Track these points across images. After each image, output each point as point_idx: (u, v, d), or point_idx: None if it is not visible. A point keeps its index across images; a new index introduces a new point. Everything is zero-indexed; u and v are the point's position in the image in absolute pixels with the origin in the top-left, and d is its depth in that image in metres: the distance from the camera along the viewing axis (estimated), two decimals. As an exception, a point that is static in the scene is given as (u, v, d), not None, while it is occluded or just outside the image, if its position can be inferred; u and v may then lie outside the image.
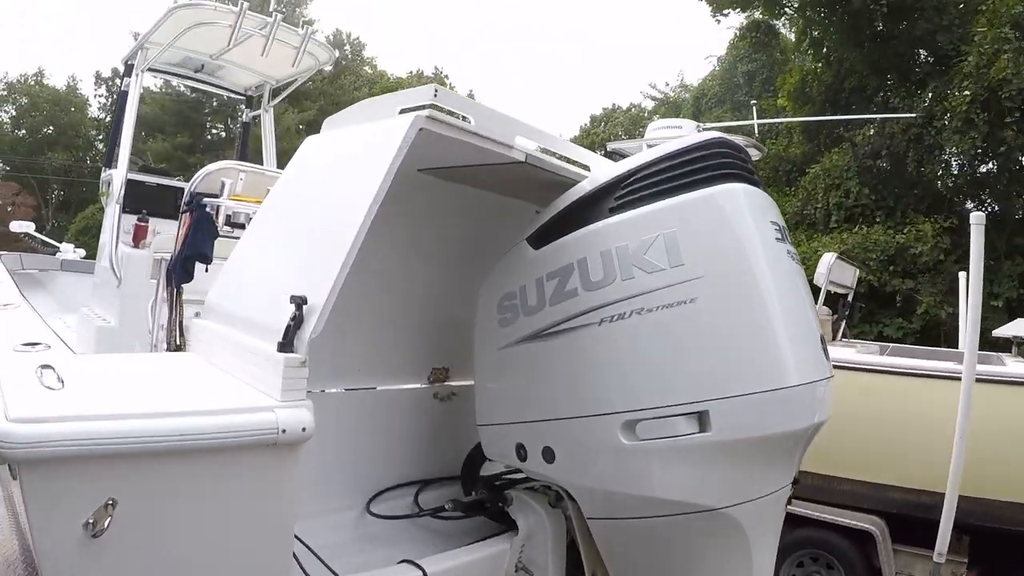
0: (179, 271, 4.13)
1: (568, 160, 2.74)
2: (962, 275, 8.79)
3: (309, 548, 2.50)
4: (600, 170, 2.69)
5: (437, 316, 3.38)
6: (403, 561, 2.63)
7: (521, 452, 2.63)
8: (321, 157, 2.76)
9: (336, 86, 38.38)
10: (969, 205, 17.89)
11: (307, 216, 2.59)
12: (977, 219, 4.71)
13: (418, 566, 2.59)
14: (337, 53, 6.65)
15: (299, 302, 2.12)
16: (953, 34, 15.74)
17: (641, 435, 2.28)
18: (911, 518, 5.60)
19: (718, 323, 2.26)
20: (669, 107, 30.92)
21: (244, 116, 7.67)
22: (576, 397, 2.42)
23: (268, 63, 6.38)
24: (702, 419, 2.23)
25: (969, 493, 5.17)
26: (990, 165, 17.20)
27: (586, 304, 2.38)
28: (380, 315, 3.19)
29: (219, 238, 3.94)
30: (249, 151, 7.81)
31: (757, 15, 23.46)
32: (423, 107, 2.26)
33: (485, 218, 3.28)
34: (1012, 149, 14.92)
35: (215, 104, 35.95)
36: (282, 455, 2.05)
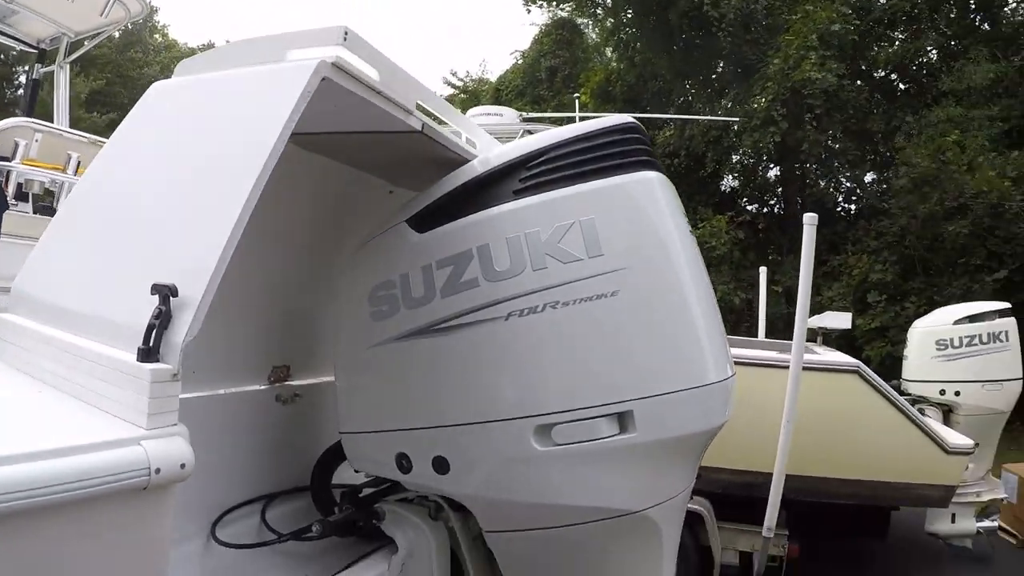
0: (-41, 251, 3.54)
1: (459, 134, 2.48)
2: (762, 270, 9.38)
3: None
4: (492, 149, 2.45)
5: (276, 307, 2.97)
6: None
7: (403, 463, 2.34)
8: (179, 109, 2.23)
9: (126, 57, 35.34)
10: (753, 207, 19.41)
11: (165, 182, 2.07)
12: (810, 219, 4.99)
13: None
14: (147, 4, 5.88)
15: (166, 293, 1.66)
16: (759, 48, 16.82)
17: (557, 440, 2.08)
18: (734, 497, 5.83)
19: (641, 318, 2.11)
20: (469, 97, 31.07)
21: (35, 72, 6.61)
22: (478, 400, 2.17)
23: (71, 11, 5.55)
24: (624, 420, 2.07)
25: (789, 471, 5.45)
26: (776, 170, 18.75)
27: (490, 296, 2.14)
28: (213, 307, 2.75)
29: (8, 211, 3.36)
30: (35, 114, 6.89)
31: (563, 13, 24.11)
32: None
33: (334, 197, 2.93)
34: (812, 144, 16.18)
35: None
36: (155, 500, 1.60)
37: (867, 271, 13.97)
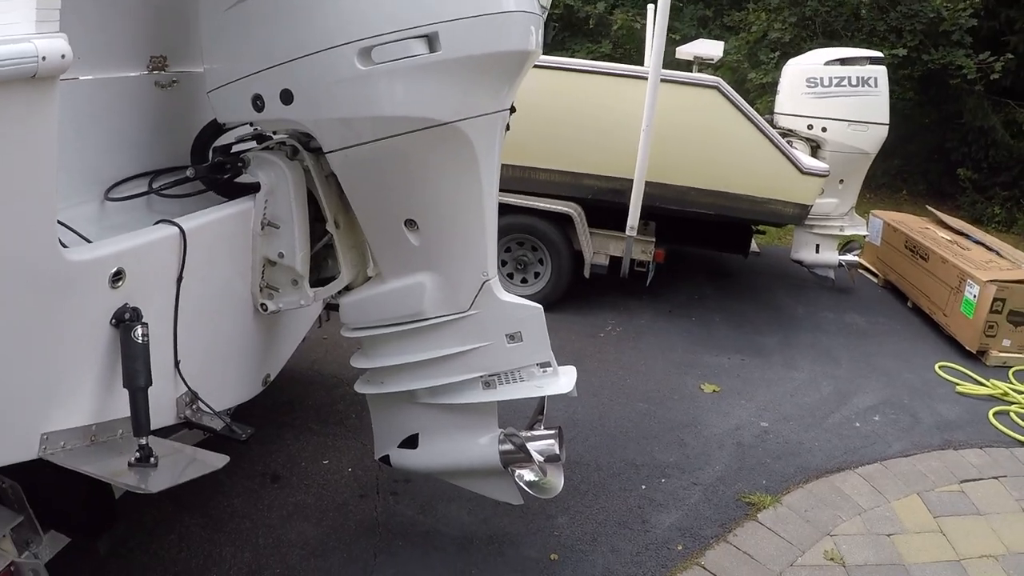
0: None
1: None
2: (649, 7, 9.53)
3: (61, 223, 2.36)
4: None
5: (150, 1, 3.24)
6: (160, 221, 2.69)
7: (258, 103, 2.70)
8: None
9: None
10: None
11: None
12: None
13: (174, 223, 2.66)
14: None
15: None
16: None
17: (376, 59, 2.46)
18: (604, 203, 6.39)
19: None
20: None
21: None
22: (311, 35, 2.51)
23: None
24: (431, 40, 2.45)
25: (653, 179, 5.98)
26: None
27: None
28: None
29: None
30: None
31: None
32: None
33: None
34: None
35: None
36: (43, 87, 1.97)
37: (766, 28, 14.11)
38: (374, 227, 2.98)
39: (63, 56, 1.97)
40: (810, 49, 9.09)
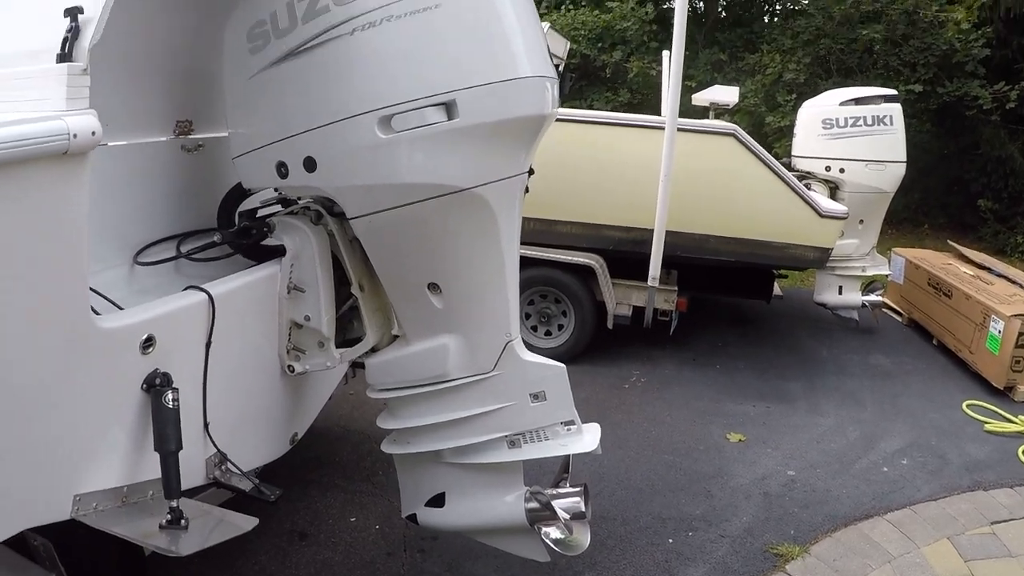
0: None
1: None
2: (665, 53, 9.64)
3: (93, 290, 2.46)
4: None
5: (176, 68, 3.32)
6: (189, 287, 2.77)
7: (282, 170, 2.79)
8: None
9: None
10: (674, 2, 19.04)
11: None
12: None
13: (202, 289, 2.74)
14: None
15: (75, 12, 2.13)
16: None
17: (396, 127, 2.54)
18: (625, 254, 6.43)
19: (460, 24, 2.53)
20: None
21: None
22: (333, 104, 2.60)
23: None
24: (450, 108, 2.53)
25: (673, 228, 6.01)
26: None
27: (339, 17, 2.53)
28: (123, 67, 3.11)
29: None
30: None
31: None
32: None
33: None
34: None
35: None
36: (74, 164, 2.07)
37: (780, 70, 14.21)
38: (398, 291, 3.04)
39: (94, 133, 2.09)
40: (826, 89, 9.16)
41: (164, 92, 3.33)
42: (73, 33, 2.12)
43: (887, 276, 8.65)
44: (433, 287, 2.93)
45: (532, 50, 2.67)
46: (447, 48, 2.53)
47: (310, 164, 2.70)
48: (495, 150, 2.69)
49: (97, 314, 2.40)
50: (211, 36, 3.24)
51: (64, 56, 2.12)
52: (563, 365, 3.15)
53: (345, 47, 2.54)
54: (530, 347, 3.24)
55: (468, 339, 3.05)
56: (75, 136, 2.02)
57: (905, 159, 7.69)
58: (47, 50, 2.14)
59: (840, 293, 7.96)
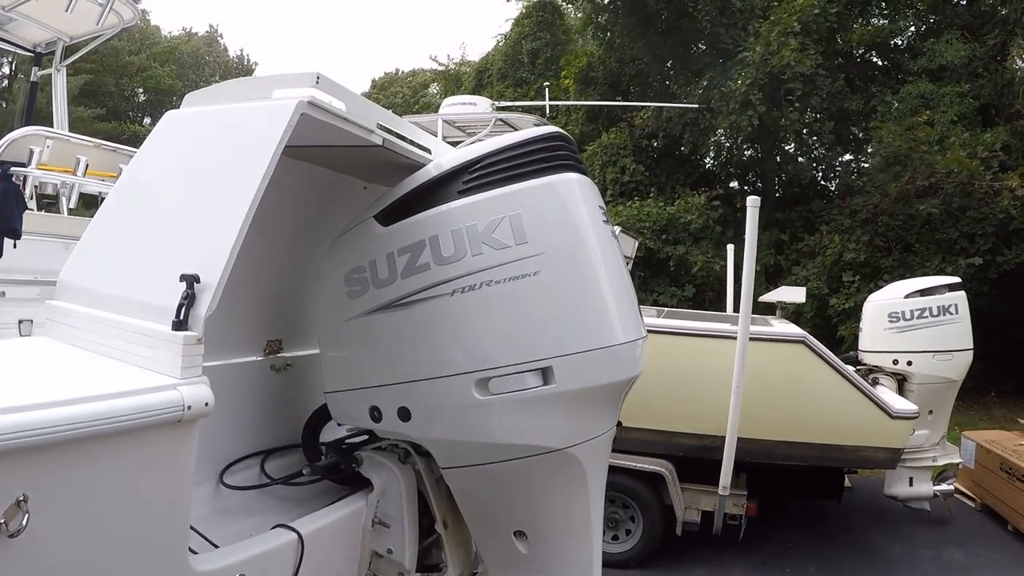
0: (-15, 247, 3.93)
1: (413, 143, 2.98)
2: (729, 247, 9.82)
3: (192, 528, 2.51)
4: (443, 154, 2.96)
5: (269, 290, 3.49)
6: (277, 526, 2.78)
7: (375, 414, 2.86)
8: (191, 134, 2.78)
9: (109, 47, 35.78)
10: (733, 184, 19.80)
11: (184, 193, 2.62)
12: (752, 202, 5.49)
13: (292, 529, 2.76)
14: (139, 12, 6.36)
15: (191, 280, 2.21)
16: (736, 32, 17.16)
17: (493, 390, 2.60)
18: (695, 459, 6.34)
19: (558, 292, 2.62)
20: (450, 79, 31.25)
21: (33, 75, 7.11)
22: (431, 360, 2.68)
23: (67, 18, 6.00)
24: (546, 374, 2.59)
25: (743, 435, 5.94)
26: (751, 151, 19.07)
27: (439, 277, 2.65)
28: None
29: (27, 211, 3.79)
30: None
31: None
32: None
33: (317, 195, 3.43)
34: (789, 126, 16.54)
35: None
36: (185, 430, 2.15)
37: (840, 250, 14.34)
38: (483, 534, 3.03)
39: (207, 404, 2.17)
40: (887, 266, 9.22)
41: (257, 312, 3.48)
42: (189, 301, 2.20)
43: (958, 464, 8.39)
44: (519, 534, 2.92)
45: (625, 316, 2.75)
46: (545, 315, 2.61)
47: (404, 414, 2.76)
48: (588, 412, 2.74)
49: (194, 552, 2.44)
50: (304, 258, 3.46)
51: (179, 324, 2.19)
52: None
53: (445, 306, 2.64)
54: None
55: (550, 583, 3.01)
56: (189, 408, 2.10)
57: (972, 346, 7.62)
58: (160, 308, 2.22)
59: (911, 485, 7.70)
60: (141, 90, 41.13)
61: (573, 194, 2.75)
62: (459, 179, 2.74)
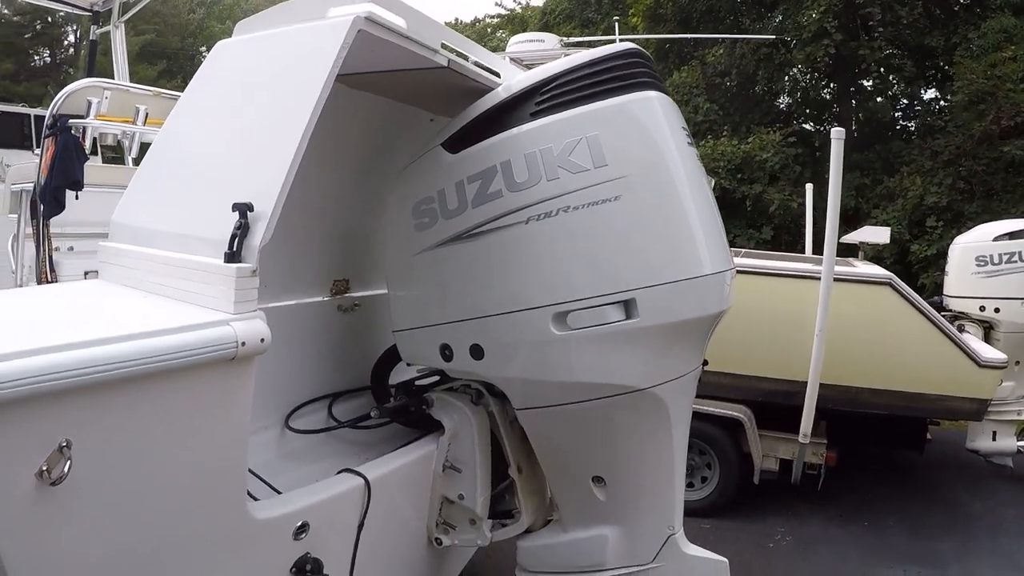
0: (49, 201, 3.86)
1: (481, 67, 2.79)
2: (808, 187, 9.42)
3: (252, 472, 2.44)
4: (513, 77, 2.76)
5: (334, 228, 3.36)
6: (343, 471, 2.69)
7: (446, 352, 2.73)
8: (242, 62, 2.62)
9: (169, 6, 35.99)
10: (808, 126, 19.08)
11: (236, 124, 2.46)
12: (837, 134, 5.15)
13: (359, 474, 2.66)
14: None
15: (244, 209, 2.06)
16: None
17: (572, 325, 2.43)
18: (774, 405, 6.11)
19: (641, 219, 2.43)
20: (516, 23, 30.68)
21: (92, 33, 7.17)
22: (505, 293, 2.53)
23: None
24: (629, 307, 2.41)
25: (825, 380, 5.69)
26: (830, 87, 18.32)
27: (512, 204, 2.48)
28: (281, 228, 3.14)
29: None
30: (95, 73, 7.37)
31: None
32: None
33: (381, 127, 3.28)
34: (868, 56, 15.73)
35: (38, 27, 32.98)
36: (240, 369, 2.01)
37: (922, 192, 13.73)
38: (559, 480, 2.90)
39: (262, 340, 2.03)
40: (970, 211, 8.74)
41: (322, 252, 3.36)
42: (243, 231, 2.07)
43: (1044, 420, 7.99)
44: (597, 480, 2.78)
45: (713, 244, 2.55)
46: (627, 243, 2.43)
47: (477, 352, 2.62)
48: (673, 349, 2.56)
49: (255, 499, 2.34)
50: (370, 194, 3.31)
51: (232, 255, 2.06)
52: (725, 560, 2.92)
53: (519, 235, 2.48)
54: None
55: (629, 530, 2.87)
56: (243, 344, 1.96)
57: None
58: (214, 242, 2.09)
59: (994, 439, 7.30)
60: (204, 48, 41.51)
61: (654, 113, 2.54)
62: (531, 100, 2.55)
